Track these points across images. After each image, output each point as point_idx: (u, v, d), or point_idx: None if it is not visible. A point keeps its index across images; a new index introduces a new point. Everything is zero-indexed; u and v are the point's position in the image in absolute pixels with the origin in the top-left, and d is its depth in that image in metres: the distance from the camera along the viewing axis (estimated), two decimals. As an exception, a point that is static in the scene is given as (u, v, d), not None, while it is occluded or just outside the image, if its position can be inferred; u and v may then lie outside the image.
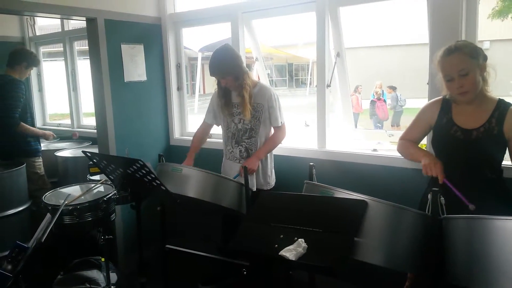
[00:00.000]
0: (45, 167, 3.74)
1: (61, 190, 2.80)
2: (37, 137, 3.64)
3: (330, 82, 2.92)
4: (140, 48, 3.42)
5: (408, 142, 2.14)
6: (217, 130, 3.07)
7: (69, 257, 3.06)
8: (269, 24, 3.49)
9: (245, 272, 2.47)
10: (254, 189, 2.71)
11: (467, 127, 1.93)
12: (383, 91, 9.21)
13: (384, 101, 9.13)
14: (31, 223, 3.25)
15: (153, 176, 2.05)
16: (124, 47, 3.30)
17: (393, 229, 1.66)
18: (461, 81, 1.85)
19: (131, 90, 3.39)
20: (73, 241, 3.26)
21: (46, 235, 1.36)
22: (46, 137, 3.77)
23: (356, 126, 3.20)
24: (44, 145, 4.04)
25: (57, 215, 1.54)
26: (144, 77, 3.47)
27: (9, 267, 1.22)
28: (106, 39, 3.17)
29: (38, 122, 4.94)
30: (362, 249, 1.58)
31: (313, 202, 1.73)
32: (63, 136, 4.53)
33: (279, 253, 1.49)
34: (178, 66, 3.68)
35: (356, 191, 1.73)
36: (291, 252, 1.49)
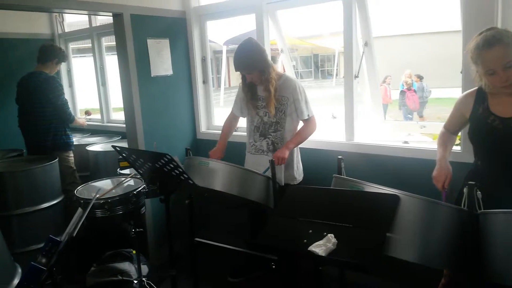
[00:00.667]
0: (77, 161, 3.84)
1: (92, 184, 2.86)
2: (71, 132, 3.76)
3: (358, 73, 2.84)
4: (165, 43, 3.43)
5: (445, 134, 2.11)
6: (242, 123, 3.06)
7: (102, 249, 3.14)
8: (293, 14, 3.43)
9: (273, 266, 2.46)
10: (282, 183, 2.68)
11: (506, 116, 1.84)
12: (412, 80, 8.96)
13: (414, 91, 8.89)
14: (64, 216, 3.35)
15: (180, 170, 2.06)
16: (150, 42, 3.32)
17: (427, 224, 1.61)
18: (506, 73, 1.75)
19: (158, 85, 3.41)
20: (105, 233, 3.35)
21: (77, 229, 1.39)
22: (81, 124, 3.99)
23: (385, 118, 3.12)
24: (75, 140, 4.15)
25: (88, 209, 1.56)
26: (170, 71, 3.49)
27: (43, 260, 1.25)
28: (133, 34, 3.20)
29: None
30: (394, 244, 1.54)
31: (343, 197, 1.70)
32: (93, 130, 4.64)
33: (309, 249, 1.47)
34: (203, 60, 3.68)
35: (387, 185, 1.69)
36: (320, 247, 1.46)
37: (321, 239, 1.49)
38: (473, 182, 1.64)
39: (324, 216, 1.59)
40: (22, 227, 3.05)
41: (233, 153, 2.92)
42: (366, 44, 2.84)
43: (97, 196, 2.29)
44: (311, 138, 2.95)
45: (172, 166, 2.07)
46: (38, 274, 1.13)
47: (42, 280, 1.13)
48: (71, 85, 5.07)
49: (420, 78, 9.23)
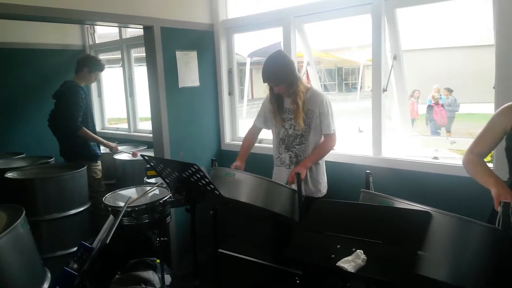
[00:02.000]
0: (104, 169, 3.91)
1: (119, 192, 2.90)
2: (97, 144, 3.80)
3: (387, 86, 2.81)
4: (193, 55, 3.49)
5: (477, 158, 1.93)
6: (267, 135, 3.06)
7: (127, 257, 3.17)
8: (319, 27, 3.43)
9: (297, 281, 2.43)
10: (320, 195, 2.67)
11: None
12: (441, 95, 8.79)
13: (442, 106, 8.71)
14: (90, 223, 3.40)
15: (207, 180, 2.07)
16: (179, 54, 3.38)
17: (459, 243, 1.57)
18: None
19: (185, 96, 3.46)
20: (131, 241, 3.38)
21: (110, 236, 1.40)
22: (110, 148, 3.92)
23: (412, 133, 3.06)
24: (103, 148, 4.23)
25: (120, 217, 1.58)
26: (197, 83, 3.54)
27: (75, 266, 1.27)
28: (162, 46, 3.26)
29: (98, 126, 5.16)
30: (425, 263, 1.50)
31: (373, 212, 1.66)
32: (120, 140, 4.73)
33: (337, 264, 1.44)
34: (230, 72, 3.72)
35: (416, 202, 1.65)
36: (349, 263, 1.43)
37: (349, 254, 1.46)
38: (508, 201, 1.59)
39: (353, 231, 1.56)
40: (51, 232, 3.11)
41: (260, 164, 2.92)
42: (395, 57, 2.81)
43: (129, 202, 2.32)
44: (337, 151, 2.93)
45: (199, 176, 2.08)
46: (70, 279, 1.15)
47: (74, 285, 1.15)
48: (100, 94, 5.21)
49: (450, 91, 9.04)
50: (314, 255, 1.60)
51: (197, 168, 2.02)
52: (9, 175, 3.17)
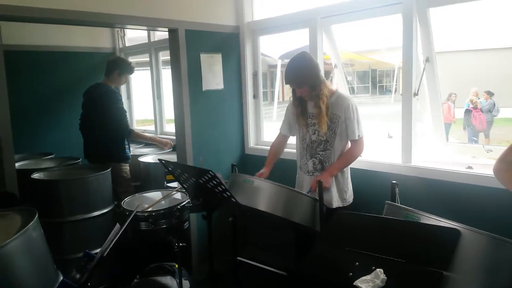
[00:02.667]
0: (130, 171, 3.93)
1: (138, 195, 2.89)
2: (129, 145, 3.83)
3: (418, 90, 2.65)
4: (218, 57, 3.45)
5: (510, 166, 1.78)
6: (292, 140, 2.96)
7: (146, 261, 3.15)
8: (350, 28, 3.30)
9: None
10: (332, 206, 2.54)
11: None
12: (480, 98, 8.36)
13: (481, 110, 8.28)
14: (114, 224, 3.41)
15: (223, 187, 2.01)
16: (203, 57, 3.35)
17: (491, 264, 1.42)
18: None
19: (208, 99, 3.43)
20: (150, 245, 3.37)
21: (109, 248, 1.36)
22: (163, 145, 3.98)
23: (447, 139, 2.87)
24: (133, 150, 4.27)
25: (125, 226, 1.54)
26: (221, 86, 3.49)
27: (77, 276, 1.23)
28: (187, 48, 3.24)
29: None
30: (452, 285, 1.36)
31: (396, 227, 1.54)
32: (147, 142, 4.76)
33: (354, 283, 1.34)
34: (255, 74, 3.65)
35: (447, 216, 1.52)
36: (367, 283, 1.33)
37: (368, 273, 1.35)
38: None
39: (374, 247, 1.45)
40: (74, 233, 3.14)
41: (284, 170, 2.83)
42: (427, 59, 2.65)
43: (138, 210, 2.30)
44: (363, 158, 2.80)
45: (215, 182, 2.03)
46: (68, 292, 1.11)
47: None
48: (129, 97, 5.27)
49: (490, 95, 8.59)
50: (330, 271, 1.50)
51: (212, 174, 1.96)
52: (35, 175, 3.22)
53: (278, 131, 2.88)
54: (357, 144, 2.56)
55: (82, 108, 3.84)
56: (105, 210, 3.28)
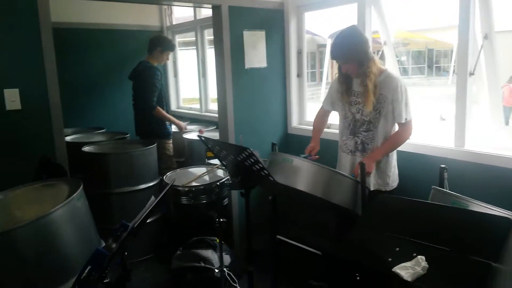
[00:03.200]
0: (174, 148, 4.02)
1: (181, 170, 2.94)
2: (169, 123, 3.92)
3: (474, 70, 2.45)
4: (261, 34, 3.38)
5: None
6: (335, 120, 2.88)
7: (190, 234, 3.24)
8: (405, 5, 3.10)
9: (358, 278, 2.26)
10: (372, 188, 2.45)
11: None
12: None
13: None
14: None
15: (261, 165, 1.98)
16: (246, 34, 3.30)
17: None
18: None
19: (251, 77, 3.39)
20: (193, 219, 3.45)
21: (141, 220, 1.38)
22: (180, 127, 4.03)
23: (507, 123, 2.65)
24: (174, 127, 4.36)
25: (159, 198, 1.57)
26: (264, 64, 3.43)
27: (113, 245, 1.27)
28: (230, 26, 3.21)
29: (173, 106, 5.37)
30: (500, 277, 1.26)
31: (442, 214, 1.45)
32: (192, 119, 4.84)
33: (393, 269, 1.27)
34: (299, 52, 3.55)
35: (499, 204, 1.40)
36: (407, 270, 1.26)
37: (409, 260, 1.28)
38: None
39: (416, 234, 1.37)
40: (120, 205, 3.27)
41: (326, 152, 2.76)
42: (485, 36, 2.43)
43: (176, 184, 2.34)
44: (412, 141, 2.66)
45: (252, 160, 2.00)
46: (101, 259, 1.14)
47: (104, 265, 1.14)
48: (175, 75, 5.36)
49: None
50: (369, 255, 1.44)
51: (250, 152, 1.93)
52: (86, 148, 3.38)
53: (319, 110, 2.81)
54: (405, 127, 2.43)
55: (132, 89, 3.95)
56: (150, 184, 3.39)
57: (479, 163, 2.40)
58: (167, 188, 1.69)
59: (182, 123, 4.05)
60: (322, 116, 2.81)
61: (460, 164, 2.44)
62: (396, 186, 2.53)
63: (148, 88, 3.64)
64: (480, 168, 2.39)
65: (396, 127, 2.50)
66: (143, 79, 3.69)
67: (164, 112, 3.76)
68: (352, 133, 2.52)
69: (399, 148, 2.56)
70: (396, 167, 2.56)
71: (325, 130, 2.92)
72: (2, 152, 2.41)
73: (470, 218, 1.37)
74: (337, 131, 2.77)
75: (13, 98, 2.40)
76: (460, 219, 1.38)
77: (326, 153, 2.74)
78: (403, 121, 2.40)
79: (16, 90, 2.41)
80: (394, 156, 2.53)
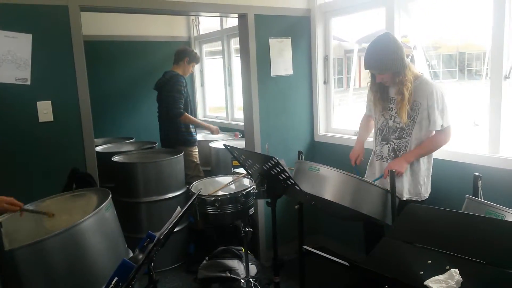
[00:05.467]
0: (201, 156, 4.05)
1: (207, 179, 2.95)
2: (195, 129, 3.95)
3: (510, 73, 2.35)
4: (287, 42, 3.37)
5: None
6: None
7: (216, 243, 3.24)
8: (435, 7, 3.02)
9: (387, 290, 2.19)
10: (403, 198, 2.37)
11: None
12: None
13: None
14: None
15: (287, 174, 1.96)
16: (272, 41, 3.30)
17: None
18: None
19: (277, 85, 3.38)
20: (219, 229, 3.46)
21: (167, 231, 1.38)
22: (212, 131, 4.09)
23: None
24: (202, 136, 4.39)
25: (185, 208, 1.57)
26: (290, 71, 3.42)
27: (140, 256, 1.28)
28: (256, 34, 3.22)
29: (200, 115, 5.43)
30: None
31: (476, 224, 1.39)
32: (218, 127, 4.86)
33: (425, 283, 1.22)
34: (326, 59, 3.52)
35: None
36: (440, 284, 1.21)
37: (441, 273, 1.23)
38: None
39: (449, 245, 1.32)
40: (148, 214, 3.32)
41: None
42: (522, 38, 2.33)
43: (202, 193, 2.34)
44: (444, 147, 2.57)
45: (279, 169, 1.98)
46: (127, 271, 1.15)
47: (132, 276, 1.14)
48: (202, 84, 5.42)
49: None
50: (399, 267, 1.39)
51: (276, 161, 1.91)
52: (115, 158, 3.45)
53: (363, 115, 2.78)
54: (442, 133, 2.34)
55: (157, 101, 4.01)
56: (178, 193, 3.42)
57: (515, 170, 2.29)
58: (193, 199, 1.69)
59: (213, 126, 4.10)
60: (365, 120, 2.75)
61: (494, 172, 2.33)
62: (427, 197, 2.44)
63: (174, 95, 3.70)
64: (516, 176, 2.28)
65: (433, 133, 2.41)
66: (168, 88, 3.75)
67: (192, 117, 3.83)
68: (385, 139, 2.46)
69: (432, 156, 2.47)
70: (430, 177, 2.46)
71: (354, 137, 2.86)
72: (34, 162, 2.49)
73: (506, 229, 1.31)
74: (370, 139, 2.72)
75: (45, 110, 2.49)
76: (495, 230, 1.32)
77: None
78: (439, 128, 2.31)
79: (49, 102, 2.50)
80: (427, 164, 2.44)
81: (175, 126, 3.80)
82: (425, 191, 2.42)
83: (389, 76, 2.31)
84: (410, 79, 2.28)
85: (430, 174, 2.46)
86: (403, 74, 2.27)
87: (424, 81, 2.35)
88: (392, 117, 2.41)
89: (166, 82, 3.78)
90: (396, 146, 2.41)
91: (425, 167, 2.43)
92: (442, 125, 2.31)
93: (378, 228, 2.59)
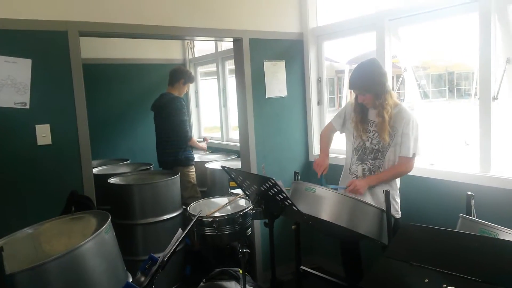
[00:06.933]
0: (196, 177, 4.06)
1: (204, 201, 2.97)
2: (192, 149, 4.02)
3: (498, 94, 2.43)
4: (281, 64, 3.45)
5: None
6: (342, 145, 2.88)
7: (213, 265, 3.22)
8: (423, 30, 3.14)
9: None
10: (397, 216, 2.42)
11: None
12: None
13: None
14: (183, 228, 3.54)
15: (284, 195, 1.99)
16: (267, 64, 3.38)
17: None
18: None
19: (272, 106, 3.44)
20: (216, 250, 3.45)
21: (170, 253, 1.40)
22: (204, 150, 4.29)
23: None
24: (197, 156, 4.42)
25: (187, 231, 1.58)
26: (284, 93, 3.49)
27: (142, 279, 1.28)
28: (250, 57, 3.29)
29: (195, 135, 5.46)
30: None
31: (470, 243, 1.42)
32: (213, 148, 4.90)
33: (422, 302, 1.24)
34: (319, 81, 3.60)
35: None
36: (437, 302, 1.23)
37: (439, 292, 1.25)
38: None
39: (445, 264, 1.34)
40: (145, 235, 3.30)
41: (331, 176, 2.75)
42: (508, 61, 2.42)
43: (201, 215, 2.36)
44: (436, 167, 2.64)
45: (276, 190, 2.01)
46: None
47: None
48: (197, 105, 5.48)
49: None
50: (397, 287, 1.41)
51: (273, 182, 1.95)
52: (112, 180, 3.45)
53: (327, 125, 2.86)
54: (408, 162, 2.45)
55: (154, 121, 4.05)
56: (174, 214, 3.41)
57: (506, 189, 2.34)
58: (194, 220, 1.71)
59: (204, 146, 4.32)
60: (329, 131, 2.81)
61: (486, 190, 2.39)
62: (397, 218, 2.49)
63: (181, 119, 3.82)
64: (507, 194, 2.33)
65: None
66: (170, 111, 3.80)
67: (195, 140, 4.06)
68: (360, 159, 2.55)
69: (424, 175, 2.53)
70: (398, 197, 2.54)
71: (335, 155, 2.90)
72: (33, 185, 2.50)
73: (500, 247, 1.34)
74: (342, 156, 2.79)
75: (44, 134, 2.51)
76: (489, 248, 1.35)
77: (331, 178, 2.73)
78: (410, 156, 2.42)
79: (47, 126, 2.52)
80: (396, 184, 2.53)
81: (170, 146, 3.83)
82: (395, 212, 2.47)
83: (370, 98, 2.42)
84: (390, 103, 2.41)
85: (398, 195, 2.55)
86: (383, 98, 2.39)
87: (403, 109, 2.47)
88: (370, 139, 2.51)
89: (165, 104, 3.83)
90: (371, 167, 2.51)
91: (395, 185, 2.53)
92: (413, 153, 2.42)
93: (353, 244, 2.64)
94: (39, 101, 2.49)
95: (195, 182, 4.01)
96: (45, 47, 2.51)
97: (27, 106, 2.45)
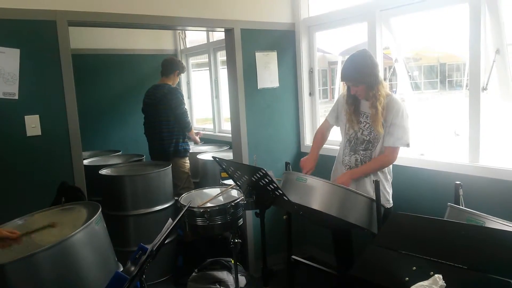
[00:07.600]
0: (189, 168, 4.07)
1: (196, 191, 2.97)
2: (188, 140, 4.08)
3: (487, 85, 2.45)
4: (273, 55, 3.44)
5: None
6: (336, 137, 2.89)
7: (205, 255, 3.24)
8: (415, 21, 3.14)
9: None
10: (388, 205, 2.44)
11: None
12: None
13: None
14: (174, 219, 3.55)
15: (275, 185, 2.00)
16: (258, 55, 3.36)
17: None
18: None
19: (264, 97, 3.43)
20: (208, 240, 3.46)
21: (159, 243, 1.40)
22: (197, 142, 4.35)
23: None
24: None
25: (176, 221, 1.59)
26: (276, 84, 3.48)
27: (132, 268, 1.29)
28: (242, 47, 3.28)
29: (188, 127, 5.44)
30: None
31: (458, 231, 1.44)
32: (205, 139, 4.89)
33: (409, 289, 1.26)
34: (311, 71, 3.60)
35: (517, 221, 1.38)
36: (424, 289, 1.25)
37: (426, 279, 1.27)
38: None
39: (433, 252, 1.36)
40: (137, 227, 3.31)
41: (324, 167, 2.77)
42: (497, 51, 2.44)
43: (192, 205, 2.37)
44: (426, 157, 2.66)
45: (267, 180, 2.02)
46: (121, 283, 1.16)
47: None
48: (189, 96, 5.46)
49: None
50: (385, 274, 1.43)
51: (264, 172, 1.96)
52: (103, 171, 3.44)
53: (323, 122, 2.85)
54: (392, 152, 2.45)
55: (143, 112, 4.02)
56: (166, 205, 3.42)
57: (494, 179, 2.38)
58: (183, 211, 1.71)
59: (197, 138, 4.34)
60: (325, 128, 2.82)
61: (475, 180, 2.42)
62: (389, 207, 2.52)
63: (184, 109, 3.87)
64: (495, 183, 2.36)
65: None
66: (171, 102, 3.81)
67: (193, 134, 4.18)
68: (353, 150, 2.56)
69: (413, 165, 2.55)
70: (391, 188, 2.56)
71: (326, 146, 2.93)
72: (22, 176, 2.48)
73: (487, 235, 1.36)
74: (335, 146, 2.80)
75: (33, 124, 2.49)
76: (476, 236, 1.37)
77: (324, 169, 2.75)
78: (395, 146, 2.42)
79: (37, 117, 2.50)
80: (387, 175, 2.54)
81: (169, 138, 3.84)
82: (386, 202, 2.49)
83: (362, 89, 2.42)
84: (382, 94, 2.40)
85: (391, 185, 2.57)
86: (376, 89, 2.39)
87: (393, 100, 2.47)
88: (361, 130, 2.52)
89: (164, 96, 3.81)
90: (362, 158, 2.52)
91: (387, 175, 2.55)
92: (398, 144, 2.41)
93: (345, 233, 2.66)
94: (28, 91, 2.47)
95: (189, 173, 4.02)
96: (33, 36, 2.48)
97: (16, 97, 2.43)
